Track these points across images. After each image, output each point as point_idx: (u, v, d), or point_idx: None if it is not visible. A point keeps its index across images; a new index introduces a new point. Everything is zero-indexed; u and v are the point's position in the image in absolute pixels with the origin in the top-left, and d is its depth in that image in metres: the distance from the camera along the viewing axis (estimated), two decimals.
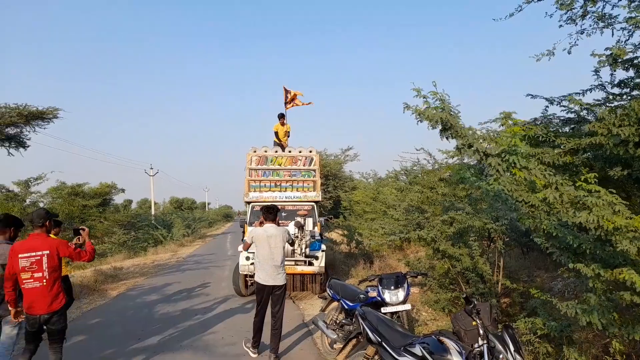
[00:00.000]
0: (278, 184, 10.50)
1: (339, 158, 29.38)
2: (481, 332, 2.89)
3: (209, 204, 65.69)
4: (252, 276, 8.38)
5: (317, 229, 9.76)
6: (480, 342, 2.86)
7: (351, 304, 4.97)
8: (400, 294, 4.78)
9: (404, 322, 4.85)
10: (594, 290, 2.99)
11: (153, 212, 39.41)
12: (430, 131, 3.82)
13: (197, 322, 7.23)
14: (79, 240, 5.26)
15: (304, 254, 8.62)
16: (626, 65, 3.54)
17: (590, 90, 3.88)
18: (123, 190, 14.83)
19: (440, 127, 3.18)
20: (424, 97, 3.21)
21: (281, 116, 11.87)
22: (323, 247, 9.22)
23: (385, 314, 4.38)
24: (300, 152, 10.92)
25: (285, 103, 12.41)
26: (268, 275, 5.38)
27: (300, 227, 8.62)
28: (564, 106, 4.13)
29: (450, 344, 3.05)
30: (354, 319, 4.44)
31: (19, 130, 14.29)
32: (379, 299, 4.83)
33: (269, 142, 11.94)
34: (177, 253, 20.31)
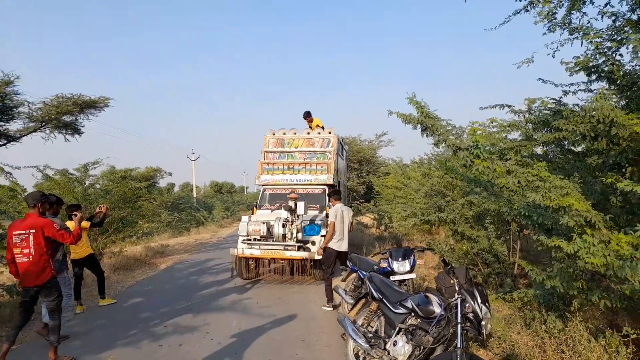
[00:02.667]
0: (291, 166, 10.17)
1: (373, 143, 29.84)
2: (457, 288, 3.58)
3: (247, 187, 67.77)
4: (254, 259, 8.77)
5: (324, 213, 9.16)
6: (456, 296, 3.55)
7: (365, 273, 5.73)
8: (407, 264, 5.49)
9: (409, 289, 5.60)
10: (557, 259, 3.61)
11: (195, 195, 41.30)
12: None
13: (235, 290, 8.19)
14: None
15: (295, 239, 8.21)
16: (588, 72, 4.05)
17: (572, 92, 4.41)
18: (170, 174, 16.08)
19: (420, 127, 3.87)
20: (412, 103, 3.89)
21: (307, 115, 11.34)
22: (323, 231, 8.50)
23: (394, 281, 5.10)
24: (319, 133, 10.66)
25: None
26: (341, 243, 6.87)
27: (291, 210, 8.30)
28: (554, 99, 4.65)
29: (433, 298, 3.78)
30: (364, 283, 5.19)
31: (74, 118, 15.74)
32: (389, 268, 5.56)
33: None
34: (217, 233, 21.66)
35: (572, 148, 5.96)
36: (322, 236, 8.40)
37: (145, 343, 5.32)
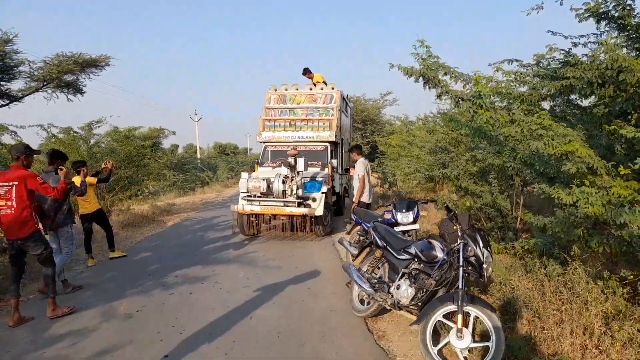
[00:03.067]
0: (293, 123, 10.03)
1: (378, 103, 29.54)
2: (459, 234, 3.66)
3: (250, 149, 67.66)
4: (255, 216, 8.73)
5: (326, 170, 9.36)
6: (459, 242, 3.64)
7: (369, 225, 5.83)
8: (410, 216, 5.57)
9: (413, 239, 5.72)
10: (559, 206, 3.66)
11: (199, 156, 41.37)
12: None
13: (241, 244, 8.37)
14: (105, 169, 6.89)
15: (295, 195, 8.18)
16: (597, 19, 3.94)
17: (581, 44, 4.32)
18: (174, 132, 16.05)
19: (422, 80, 3.83)
20: (416, 56, 3.83)
21: (306, 71, 11.17)
22: (324, 188, 8.60)
23: (398, 232, 5.21)
24: (321, 88, 10.39)
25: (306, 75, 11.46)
26: (368, 195, 7.32)
27: (291, 167, 8.20)
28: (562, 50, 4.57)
29: (436, 243, 3.87)
30: (368, 234, 5.30)
31: (75, 77, 15.60)
32: (393, 220, 5.65)
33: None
34: (222, 193, 21.87)
35: (579, 103, 5.92)
36: (322, 193, 8.43)
37: (157, 292, 5.50)
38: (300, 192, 8.24)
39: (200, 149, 48.35)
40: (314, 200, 8.37)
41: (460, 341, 3.34)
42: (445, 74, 3.87)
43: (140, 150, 12.99)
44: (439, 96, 3.93)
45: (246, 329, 4.27)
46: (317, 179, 8.79)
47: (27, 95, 15.82)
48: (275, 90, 10.56)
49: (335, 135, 9.76)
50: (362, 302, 4.64)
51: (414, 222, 5.60)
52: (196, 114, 44.37)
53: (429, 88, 3.91)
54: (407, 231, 5.60)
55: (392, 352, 3.78)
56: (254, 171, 9.73)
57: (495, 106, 3.76)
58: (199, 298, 5.23)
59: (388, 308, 4.20)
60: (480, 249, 3.55)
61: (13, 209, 4.54)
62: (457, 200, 9.66)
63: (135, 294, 5.46)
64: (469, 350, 3.42)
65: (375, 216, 6.02)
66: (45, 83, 15.59)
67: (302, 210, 8.15)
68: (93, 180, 7.30)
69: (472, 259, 3.61)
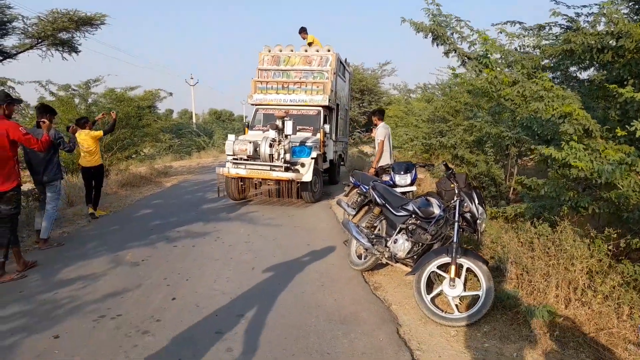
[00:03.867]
0: (286, 85, 9.64)
1: (376, 72, 29.27)
2: (456, 191, 3.83)
3: (246, 116, 67.14)
4: (243, 180, 8.61)
5: (318, 136, 9.01)
6: (455, 199, 3.81)
7: (367, 187, 5.99)
8: (408, 178, 5.74)
9: None
10: (552, 167, 3.83)
11: (194, 122, 41.11)
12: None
13: (242, 204, 8.53)
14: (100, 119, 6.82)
15: (282, 160, 7.91)
16: None
17: (584, 15, 4.40)
18: (171, 94, 15.89)
19: (431, 36, 3.91)
20: (427, 12, 3.89)
21: (302, 30, 10.81)
22: (313, 154, 8.33)
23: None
24: (317, 50, 9.97)
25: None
26: (391, 159, 7.35)
27: (279, 130, 7.91)
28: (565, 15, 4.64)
29: (433, 201, 4.05)
30: (366, 194, 5.46)
31: (70, 35, 15.34)
32: (391, 182, 5.81)
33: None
34: (218, 158, 21.91)
35: (577, 75, 6.03)
36: (312, 159, 8.21)
37: (160, 244, 5.69)
38: (288, 156, 7.98)
39: (195, 115, 47.96)
40: (302, 165, 8.10)
41: (453, 290, 3.56)
42: (452, 33, 3.95)
43: (138, 111, 12.96)
44: (446, 53, 4.01)
45: (249, 277, 4.48)
46: (306, 144, 8.53)
47: (21, 52, 15.55)
48: (269, 51, 10.16)
49: (329, 100, 9.41)
50: (359, 257, 4.85)
51: (412, 184, 5.77)
52: (192, 78, 43.71)
53: (437, 45, 3.98)
54: (405, 193, 5.77)
55: (387, 300, 4.00)
56: (244, 134, 9.41)
57: (500, 67, 3.86)
58: (202, 250, 5.42)
59: (385, 262, 4.42)
60: (475, 205, 3.74)
61: None
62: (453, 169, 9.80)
63: (139, 245, 5.63)
64: (460, 299, 3.65)
65: (373, 179, 6.18)
66: (39, 40, 15.31)
67: (289, 175, 7.89)
68: (99, 133, 7.38)
69: (467, 215, 3.80)
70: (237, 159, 8.21)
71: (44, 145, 4.70)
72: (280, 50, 10.08)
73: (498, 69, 3.88)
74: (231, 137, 8.49)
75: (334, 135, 10.32)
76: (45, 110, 5.65)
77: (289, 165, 7.97)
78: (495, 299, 3.55)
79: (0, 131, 4.35)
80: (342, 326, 3.43)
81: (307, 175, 8.05)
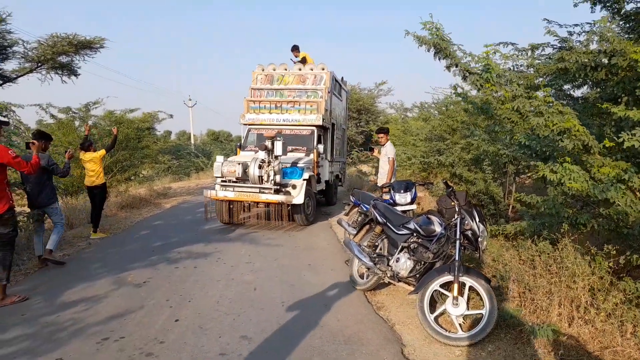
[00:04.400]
0: (279, 105, 9.38)
1: (372, 92, 29.59)
2: (457, 209, 3.87)
3: (244, 137, 67.35)
4: (234, 203, 8.25)
5: (312, 156, 8.77)
6: (456, 217, 3.85)
7: (367, 206, 6.03)
8: (408, 196, 5.79)
9: None
10: (551, 184, 3.88)
11: (192, 143, 41.27)
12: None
13: (242, 225, 8.54)
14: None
15: (272, 182, 7.62)
16: (593, 2, 4.14)
17: (576, 34, 4.54)
18: (171, 116, 16.09)
19: (434, 50, 4.01)
20: (425, 27, 4.01)
21: (294, 48, 10.52)
22: (305, 175, 7.99)
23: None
24: (311, 69, 9.77)
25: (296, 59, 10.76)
26: (394, 178, 7.25)
27: (268, 151, 7.63)
28: (557, 36, 4.77)
29: (434, 219, 4.08)
30: (366, 213, 5.50)
31: (70, 59, 15.57)
32: (391, 200, 5.86)
33: None
34: (217, 179, 21.99)
35: (572, 93, 6.15)
36: (304, 180, 7.88)
37: (162, 266, 5.68)
38: (278, 178, 7.65)
39: (193, 135, 48.17)
40: (294, 187, 7.78)
41: (456, 308, 3.56)
42: (455, 50, 4.04)
43: (137, 133, 13.07)
44: (448, 67, 4.09)
45: (251, 298, 4.47)
46: (298, 165, 8.18)
47: (21, 76, 15.72)
48: (263, 70, 9.98)
49: (323, 119, 9.17)
50: (361, 276, 4.86)
51: (412, 202, 5.81)
52: (190, 99, 44.09)
53: (440, 59, 4.07)
54: (405, 211, 5.81)
55: (391, 320, 3.99)
56: (236, 155, 9.23)
57: (500, 81, 3.95)
58: (204, 271, 5.42)
59: (387, 281, 4.43)
60: (476, 223, 3.78)
61: None
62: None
63: (141, 267, 5.62)
64: (463, 318, 3.65)
65: (373, 197, 6.23)
66: (39, 64, 15.49)
67: (278, 198, 7.58)
68: (102, 152, 7.59)
69: (469, 233, 3.83)
70: (225, 181, 7.97)
71: (33, 167, 4.66)
72: (274, 69, 9.93)
73: (498, 83, 3.96)
74: (219, 158, 8.22)
75: (329, 155, 10.13)
76: (41, 136, 5.69)
77: (279, 187, 7.69)
78: (499, 317, 3.55)
79: None
80: (346, 346, 3.42)
81: (298, 197, 7.73)
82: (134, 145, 12.93)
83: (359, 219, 6.52)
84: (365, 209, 6.16)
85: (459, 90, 5.42)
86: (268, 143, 7.55)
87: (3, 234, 4.47)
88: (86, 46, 15.35)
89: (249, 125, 9.63)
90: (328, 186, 10.46)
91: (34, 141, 4.96)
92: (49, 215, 5.92)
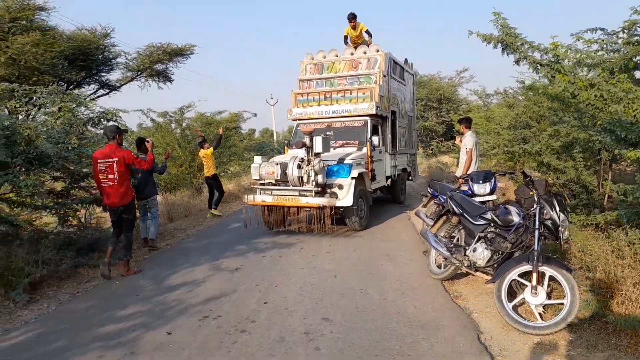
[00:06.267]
0: (328, 95, 8.53)
1: (453, 80, 28.69)
2: (536, 198, 3.81)
3: (294, 133, 68.65)
4: (282, 208, 7.40)
5: (364, 151, 7.83)
6: (535, 206, 3.80)
7: (445, 198, 6.04)
8: (487, 187, 5.70)
9: None
10: None
11: (275, 139, 42.89)
12: None
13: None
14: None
15: (314, 183, 6.79)
16: None
17: None
18: (255, 115, 17.18)
19: (501, 46, 3.95)
20: (494, 22, 3.97)
21: (352, 17, 9.20)
22: (354, 172, 7.00)
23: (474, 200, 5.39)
24: (364, 52, 8.86)
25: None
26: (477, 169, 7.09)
27: (306, 148, 6.84)
28: None
29: (512, 209, 4.05)
30: (445, 205, 5.52)
31: (164, 66, 17.08)
32: (469, 191, 5.82)
33: None
34: None
35: None
36: (352, 178, 6.95)
37: (251, 254, 6.20)
38: (320, 178, 6.75)
39: (276, 132, 50.01)
40: (340, 187, 6.90)
41: (535, 298, 3.54)
42: (522, 44, 3.97)
43: (225, 132, 14.04)
44: (517, 62, 4.03)
45: (332, 285, 4.76)
46: (345, 162, 7.17)
47: (124, 84, 17.56)
48: (312, 58, 9.22)
49: (378, 107, 8.14)
50: (439, 266, 4.93)
51: (491, 193, 5.72)
52: (272, 97, 45.88)
53: (507, 54, 4.03)
54: (484, 202, 5.74)
55: (468, 309, 4.05)
56: (284, 152, 8.57)
57: (574, 71, 3.81)
58: (288, 260, 5.83)
59: (464, 271, 4.48)
60: (556, 212, 3.71)
61: (115, 181, 5.31)
62: (539, 177, 9.43)
63: (233, 255, 6.19)
64: (544, 308, 3.62)
65: (451, 188, 6.22)
66: (139, 73, 17.21)
67: (319, 201, 6.72)
68: (210, 150, 9.23)
69: (548, 222, 3.77)
70: (264, 184, 7.38)
71: (149, 164, 5.92)
72: (324, 57, 9.16)
73: (572, 73, 3.82)
74: (257, 159, 7.58)
75: (389, 148, 9.18)
76: (141, 141, 6.91)
77: (322, 188, 6.89)
78: (582, 307, 3.47)
79: (119, 158, 5.34)
80: (423, 331, 3.57)
81: (345, 199, 6.85)
82: (223, 144, 13.91)
83: (436, 210, 6.55)
84: (442, 201, 6.18)
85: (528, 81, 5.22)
86: (306, 139, 6.85)
87: (129, 219, 5.63)
88: (178, 53, 16.76)
89: (297, 120, 8.92)
90: (393, 182, 9.72)
91: (149, 139, 6.46)
92: (149, 206, 6.88)
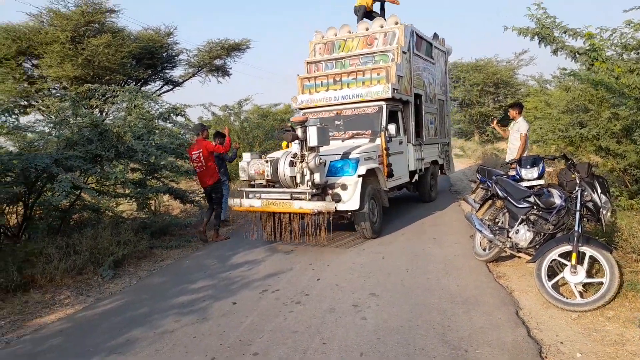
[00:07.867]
0: (338, 79, 7.36)
1: (512, 63, 27.62)
2: (577, 181, 3.91)
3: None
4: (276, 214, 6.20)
5: (378, 142, 6.66)
6: (577, 189, 3.90)
7: (491, 183, 6.13)
8: (535, 172, 5.73)
9: None
10: None
11: None
12: None
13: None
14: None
15: (309, 183, 5.64)
16: None
17: None
18: None
19: (537, 39, 4.04)
20: (532, 17, 4.05)
21: None
22: (361, 169, 5.79)
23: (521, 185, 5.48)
24: (381, 26, 7.67)
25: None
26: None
27: (299, 140, 5.67)
28: None
29: (554, 191, 4.17)
30: (491, 189, 5.65)
31: (223, 61, 17.97)
32: (517, 176, 5.89)
33: None
34: None
35: None
36: (359, 176, 5.75)
37: (304, 238, 6.61)
38: (317, 177, 5.61)
39: None
40: (343, 187, 5.72)
41: (574, 276, 3.68)
42: (562, 32, 4.03)
43: (281, 124, 14.64)
44: (554, 52, 4.11)
45: (379, 265, 5.09)
46: (351, 156, 5.96)
47: (186, 80, 18.65)
48: (322, 37, 8.15)
49: (395, 90, 6.97)
50: (484, 249, 5.11)
51: (539, 178, 5.77)
52: None
53: (544, 45, 4.12)
54: (532, 187, 5.80)
55: (510, 287, 4.24)
56: (287, 147, 7.21)
57: (612, 57, 3.84)
58: (339, 242, 6.22)
59: (508, 252, 4.64)
60: (598, 195, 3.81)
61: (204, 167, 6.71)
62: (597, 162, 9.17)
63: (287, 239, 6.65)
64: (584, 287, 3.75)
65: (500, 174, 6.30)
66: (199, 68, 18.22)
67: (314, 206, 5.49)
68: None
69: (590, 204, 3.87)
70: (254, 185, 6.32)
71: (227, 148, 7.07)
72: (335, 35, 8.04)
73: (610, 59, 3.86)
74: (246, 156, 6.45)
75: (412, 138, 7.93)
76: (218, 135, 7.89)
77: (319, 189, 5.75)
78: (623, 287, 3.57)
79: (203, 149, 6.69)
80: (463, 306, 3.82)
81: (350, 201, 5.66)
82: (279, 135, 14.57)
83: (483, 195, 6.65)
84: (488, 186, 6.29)
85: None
86: (299, 131, 5.63)
87: (217, 197, 6.94)
88: (235, 48, 17.59)
89: (303, 108, 7.76)
90: (421, 177, 8.50)
91: (225, 127, 7.99)
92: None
